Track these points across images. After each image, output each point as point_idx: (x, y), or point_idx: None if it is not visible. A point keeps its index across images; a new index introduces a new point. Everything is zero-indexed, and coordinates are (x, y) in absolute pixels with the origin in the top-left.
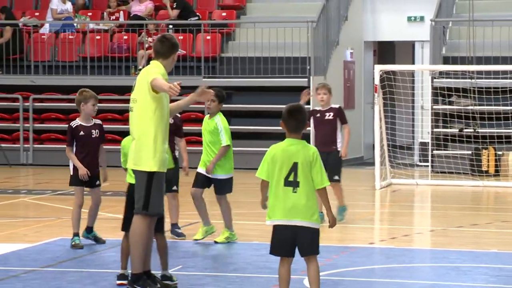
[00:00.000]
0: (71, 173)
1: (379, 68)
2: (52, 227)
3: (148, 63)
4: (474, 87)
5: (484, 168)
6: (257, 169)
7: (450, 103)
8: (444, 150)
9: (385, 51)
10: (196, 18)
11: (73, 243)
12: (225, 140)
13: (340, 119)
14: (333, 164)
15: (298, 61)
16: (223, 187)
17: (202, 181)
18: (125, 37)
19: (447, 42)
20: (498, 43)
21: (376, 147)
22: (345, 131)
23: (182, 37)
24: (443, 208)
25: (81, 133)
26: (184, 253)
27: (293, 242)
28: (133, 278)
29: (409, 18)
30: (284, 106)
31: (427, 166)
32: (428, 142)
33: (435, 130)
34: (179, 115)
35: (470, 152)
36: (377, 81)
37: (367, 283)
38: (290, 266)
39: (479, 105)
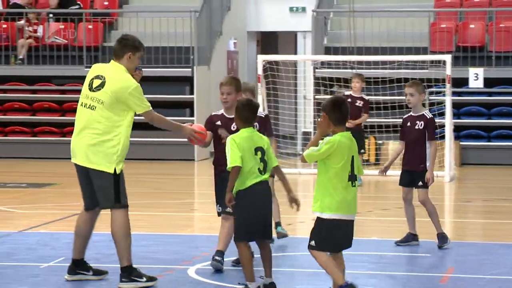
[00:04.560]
0: None
1: (262, 58)
2: None
3: (28, 52)
4: None
5: (365, 157)
6: None
7: (332, 93)
8: None
9: (268, 41)
10: (77, 7)
11: None
12: None
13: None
14: None
15: (181, 50)
16: None
17: None
18: (5, 25)
19: (329, 32)
20: (377, 33)
21: None
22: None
23: (63, 26)
24: None
25: None
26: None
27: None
28: (127, 270)
29: (291, 9)
30: (166, 96)
31: None
32: (310, 132)
33: (317, 119)
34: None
35: None
36: (260, 71)
37: None
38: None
39: None
